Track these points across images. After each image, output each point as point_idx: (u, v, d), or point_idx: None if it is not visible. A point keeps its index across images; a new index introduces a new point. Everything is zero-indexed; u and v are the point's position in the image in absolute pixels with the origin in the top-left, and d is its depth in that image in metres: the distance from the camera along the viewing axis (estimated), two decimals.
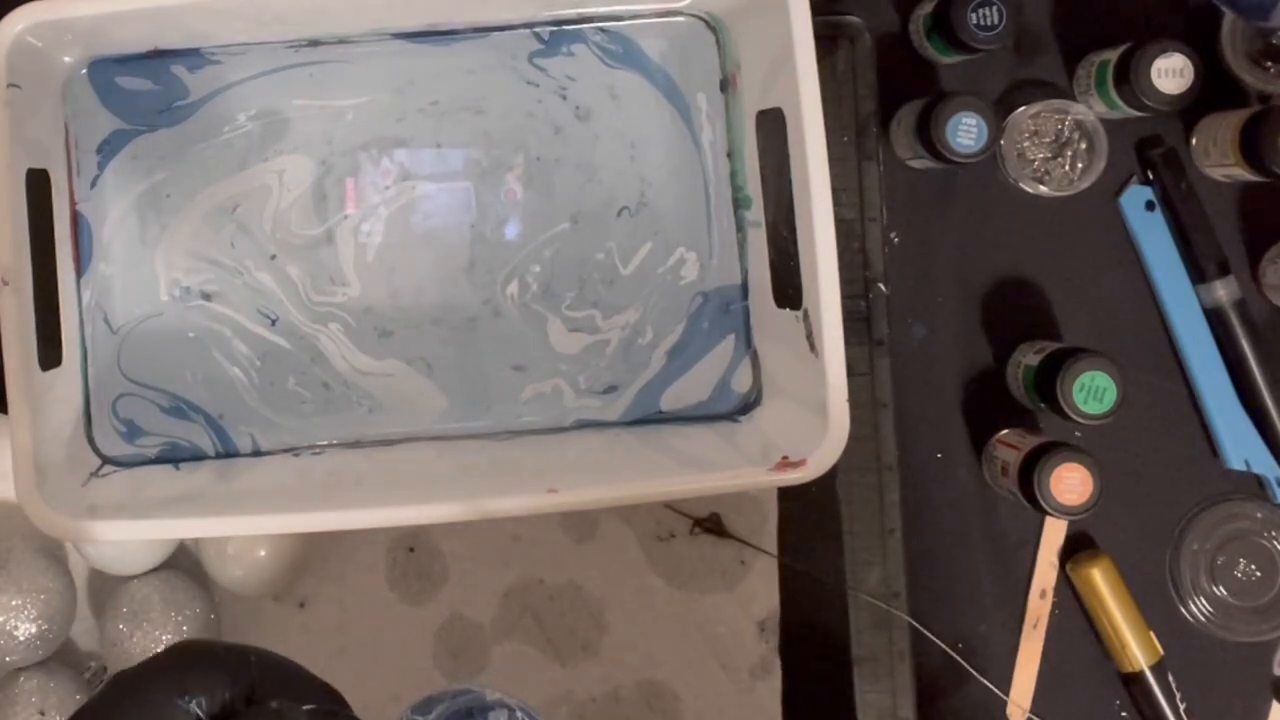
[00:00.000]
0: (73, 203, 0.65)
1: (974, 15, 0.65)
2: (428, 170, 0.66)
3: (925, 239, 0.72)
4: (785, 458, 0.59)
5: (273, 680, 0.36)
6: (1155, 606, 0.72)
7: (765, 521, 0.71)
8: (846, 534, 0.71)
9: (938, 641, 0.71)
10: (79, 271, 0.65)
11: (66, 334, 0.63)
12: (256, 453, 0.66)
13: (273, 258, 0.66)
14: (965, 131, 0.66)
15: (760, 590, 0.71)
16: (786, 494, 0.71)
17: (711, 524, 0.71)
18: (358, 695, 0.71)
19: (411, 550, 0.71)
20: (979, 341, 0.72)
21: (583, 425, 0.67)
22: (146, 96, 0.65)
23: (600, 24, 0.66)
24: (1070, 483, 0.65)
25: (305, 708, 0.35)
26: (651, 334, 0.67)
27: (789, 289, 0.62)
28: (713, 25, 0.66)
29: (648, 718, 0.71)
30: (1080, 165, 0.71)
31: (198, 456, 0.66)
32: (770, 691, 0.71)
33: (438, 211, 0.66)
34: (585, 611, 0.71)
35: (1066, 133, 0.71)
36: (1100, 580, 0.70)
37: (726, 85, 0.66)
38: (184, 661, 0.35)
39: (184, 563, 0.70)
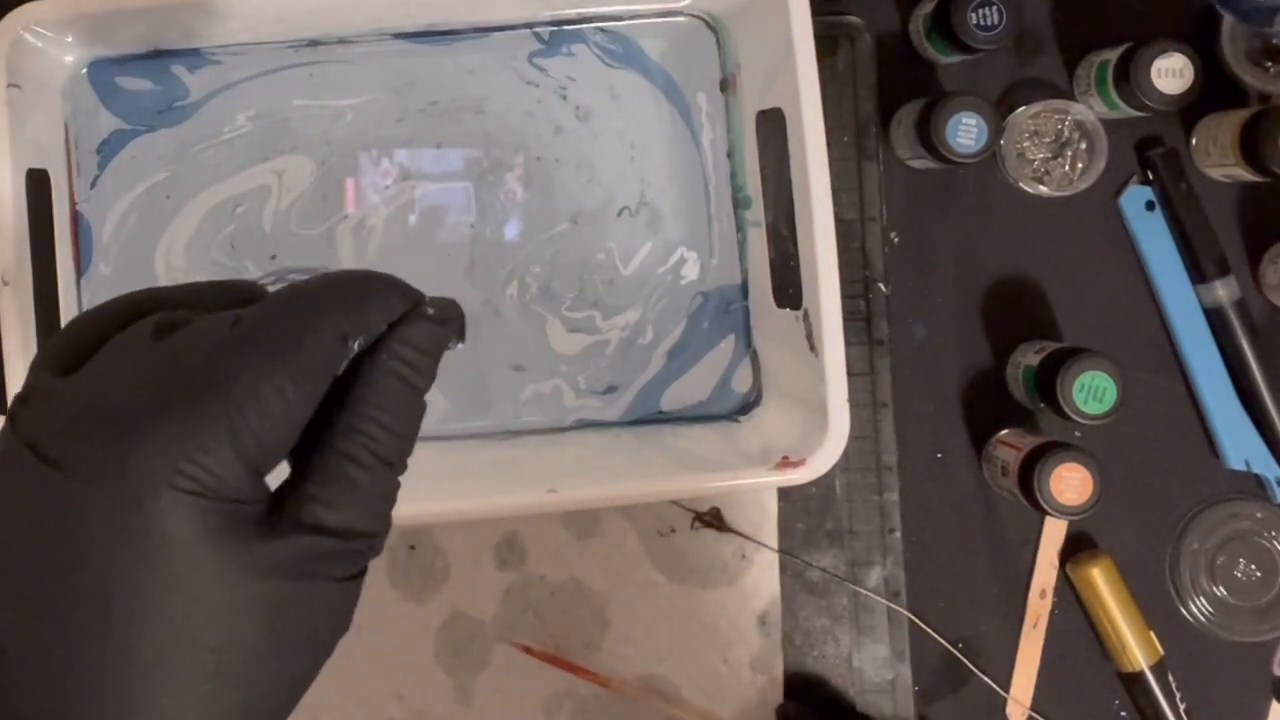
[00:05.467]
0: (73, 203, 0.65)
1: (974, 15, 0.65)
2: (428, 170, 0.66)
3: (925, 239, 0.72)
4: (785, 458, 0.59)
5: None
6: (1155, 606, 0.72)
7: (766, 516, 0.71)
8: (846, 534, 0.71)
9: (939, 640, 0.71)
10: (79, 271, 0.65)
11: None
12: None
13: (273, 258, 0.66)
14: (965, 131, 0.65)
15: (761, 584, 0.71)
16: (786, 493, 0.71)
17: (712, 518, 0.71)
18: (360, 694, 0.71)
19: (412, 548, 0.71)
20: (979, 341, 0.72)
21: (583, 425, 0.67)
22: (146, 96, 0.65)
23: (600, 24, 0.66)
24: (1070, 483, 0.65)
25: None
26: (652, 334, 0.67)
27: (789, 289, 0.62)
28: (713, 25, 0.66)
29: (650, 713, 0.71)
30: (1080, 165, 0.71)
31: None
32: (772, 685, 0.71)
33: (438, 211, 0.66)
34: (587, 607, 0.71)
35: (1066, 133, 0.71)
36: (1100, 580, 0.70)
37: (726, 85, 0.66)
38: (357, 297, 0.30)
39: None
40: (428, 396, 0.32)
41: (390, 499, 0.31)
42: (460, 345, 0.33)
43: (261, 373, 0.28)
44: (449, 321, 0.32)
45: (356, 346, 0.30)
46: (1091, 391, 0.65)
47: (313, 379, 0.29)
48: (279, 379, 0.28)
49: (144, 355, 0.29)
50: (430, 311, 0.32)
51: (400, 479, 0.32)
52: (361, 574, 0.31)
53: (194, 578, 0.27)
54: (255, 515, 0.29)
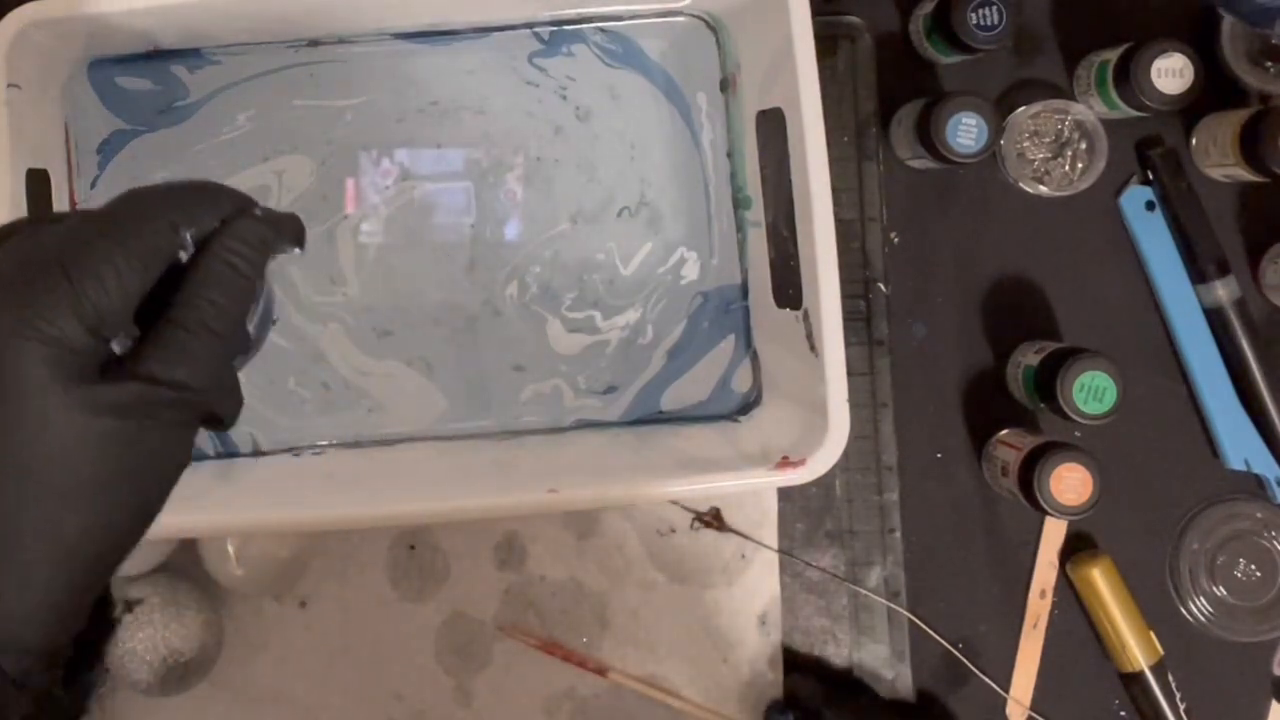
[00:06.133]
0: (73, 203, 0.65)
1: (974, 15, 0.65)
2: (428, 170, 0.66)
3: (925, 239, 0.72)
4: (785, 458, 0.59)
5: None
6: (1155, 606, 0.72)
7: (766, 515, 0.71)
8: (846, 534, 0.71)
9: (939, 640, 0.71)
10: None
11: None
12: (257, 452, 0.66)
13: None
14: (965, 131, 0.65)
15: (761, 584, 0.71)
16: (786, 493, 0.71)
17: (712, 518, 0.71)
18: (360, 693, 0.71)
19: (412, 548, 0.71)
20: (979, 341, 0.72)
21: (583, 425, 0.67)
22: (146, 96, 0.65)
23: (600, 24, 0.66)
24: (1070, 483, 0.65)
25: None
26: (652, 334, 0.67)
27: (789, 289, 0.62)
28: (713, 25, 0.66)
29: (651, 712, 0.71)
30: (1080, 165, 0.71)
31: (198, 456, 0.66)
32: (772, 685, 0.71)
33: (438, 212, 0.66)
34: (587, 607, 0.71)
35: (1066, 133, 0.71)
36: (1100, 580, 0.70)
37: (726, 85, 0.66)
38: (188, 197, 0.38)
39: (184, 563, 0.70)
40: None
41: (216, 361, 0.37)
42: (299, 251, 0.40)
43: (98, 250, 0.35)
44: (280, 225, 0.39)
45: (190, 237, 0.37)
46: (1091, 391, 0.65)
47: (143, 258, 0.36)
48: (114, 255, 0.35)
49: (17, 245, 0.36)
50: (258, 213, 0.39)
51: (237, 354, 0.40)
52: (192, 425, 0.37)
53: (42, 412, 0.34)
54: (97, 366, 0.35)
